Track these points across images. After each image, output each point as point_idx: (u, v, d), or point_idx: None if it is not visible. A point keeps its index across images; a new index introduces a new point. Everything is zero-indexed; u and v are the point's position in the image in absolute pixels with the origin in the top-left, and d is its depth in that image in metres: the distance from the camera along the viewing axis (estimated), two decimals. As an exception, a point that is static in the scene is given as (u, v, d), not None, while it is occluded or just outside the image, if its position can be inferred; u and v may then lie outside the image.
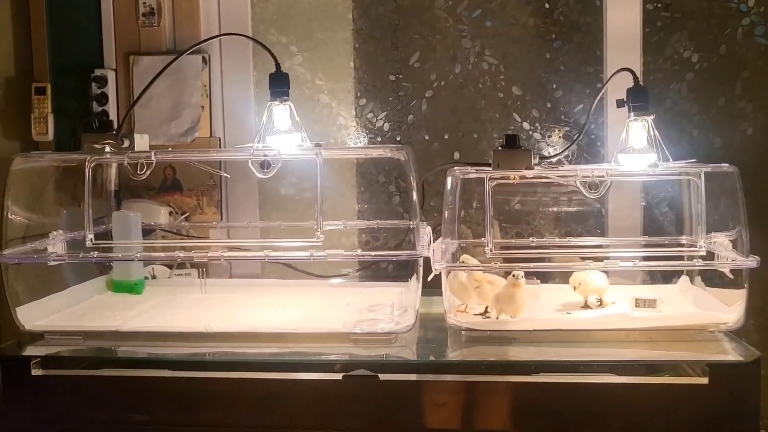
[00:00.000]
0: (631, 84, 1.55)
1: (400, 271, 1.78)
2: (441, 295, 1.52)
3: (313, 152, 1.43)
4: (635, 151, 1.49)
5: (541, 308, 1.52)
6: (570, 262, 1.51)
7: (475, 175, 1.44)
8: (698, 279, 1.63)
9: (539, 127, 2.00)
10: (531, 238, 1.72)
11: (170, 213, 1.96)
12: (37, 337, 1.49)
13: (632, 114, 1.50)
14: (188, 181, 1.98)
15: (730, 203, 1.44)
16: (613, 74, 1.57)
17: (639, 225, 1.88)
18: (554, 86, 2.00)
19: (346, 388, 1.33)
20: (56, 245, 1.59)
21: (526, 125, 2.01)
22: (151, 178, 1.54)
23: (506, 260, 1.46)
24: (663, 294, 1.55)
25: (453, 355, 1.42)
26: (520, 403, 1.33)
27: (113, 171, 1.87)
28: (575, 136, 1.97)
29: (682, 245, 1.68)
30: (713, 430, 1.28)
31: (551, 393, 1.32)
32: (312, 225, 1.82)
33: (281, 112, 1.55)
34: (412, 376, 1.36)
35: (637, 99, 1.50)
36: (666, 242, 1.71)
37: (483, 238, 1.66)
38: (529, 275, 1.45)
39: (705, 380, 1.28)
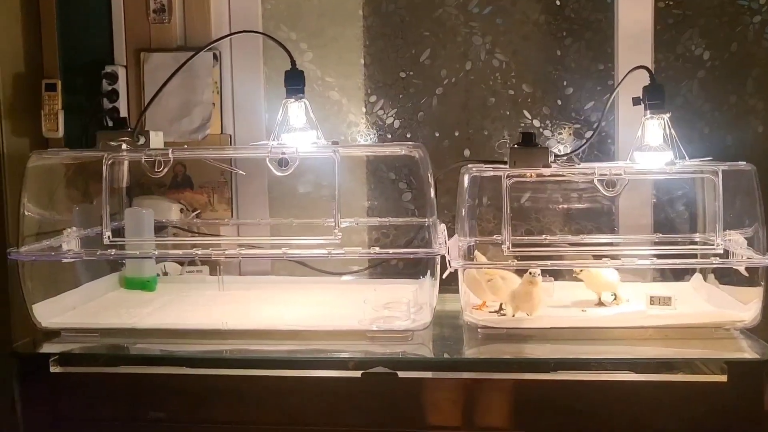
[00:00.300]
0: (643, 82, 1.56)
1: (411, 269, 1.78)
2: (452, 292, 1.53)
3: (331, 150, 1.42)
4: (652, 149, 1.49)
5: (556, 306, 1.52)
6: (585, 259, 1.50)
7: (492, 173, 1.44)
8: (711, 277, 1.64)
9: (549, 125, 2.00)
10: (544, 236, 1.72)
11: (181, 210, 1.96)
12: (52, 334, 1.49)
13: (648, 112, 1.50)
14: (199, 178, 1.98)
15: (746, 201, 1.44)
16: (629, 72, 1.57)
17: (650, 222, 1.89)
18: (565, 83, 2.00)
19: (365, 386, 1.33)
20: (71, 242, 1.59)
21: (536, 122, 2.01)
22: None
23: (522, 258, 1.46)
24: (676, 292, 1.56)
25: (470, 352, 1.42)
26: (539, 401, 1.33)
27: (125, 168, 1.86)
28: (586, 134, 1.98)
29: (696, 243, 1.68)
30: (732, 428, 1.28)
31: (570, 390, 1.32)
32: (323, 222, 1.84)
33: (297, 110, 1.55)
34: (431, 374, 1.36)
35: (654, 97, 1.50)
36: (679, 240, 1.71)
37: (496, 236, 1.68)
38: (542, 273, 1.45)
39: (724, 378, 1.28)
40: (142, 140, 1.53)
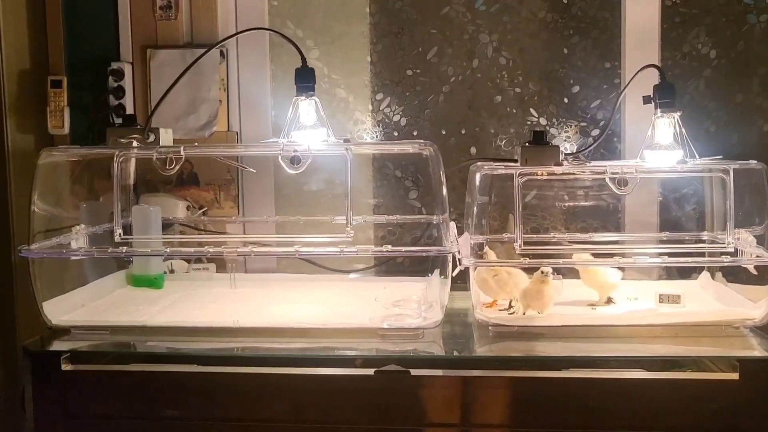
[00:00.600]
0: (650, 80, 1.56)
1: (417, 267, 1.79)
2: (458, 290, 1.53)
3: (343, 147, 1.42)
4: (662, 148, 1.49)
5: (565, 303, 1.52)
6: (594, 257, 1.51)
7: (504, 171, 1.44)
8: (719, 275, 1.64)
9: (556, 123, 2.01)
10: (553, 234, 1.72)
11: (188, 207, 1.95)
12: (60, 332, 1.49)
13: (659, 110, 1.51)
14: (205, 175, 1.98)
15: (755, 200, 1.45)
16: (639, 71, 1.57)
17: (656, 220, 1.89)
18: (571, 82, 2.00)
19: (377, 383, 1.33)
20: (79, 240, 1.58)
21: (543, 121, 2.01)
22: (167, 171, 1.53)
23: (533, 256, 1.46)
24: (684, 290, 1.56)
25: (481, 350, 1.42)
26: (551, 399, 1.33)
27: (132, 165, 1.86)
28: (592, 132, 1.98)
29: (704, 241, 1.69)
30: (744, 425, 1.28)
31: (581, 388, 1.33)
32: (331, 219, 1.84)
33: (307, 107, 1.55)
34: (442, 372, 1.36)
35: (664, 95, 1.50)
36: (687, 238, 1.71)
37: (505, 234, 1.68)
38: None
39: (736, 376, 1.28)
40: (152, 138, 1.53)
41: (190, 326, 1.47)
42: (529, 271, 1.49)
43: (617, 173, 1.39)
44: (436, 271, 1.54)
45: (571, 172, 1.43)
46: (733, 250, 1.41)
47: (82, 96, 1.99)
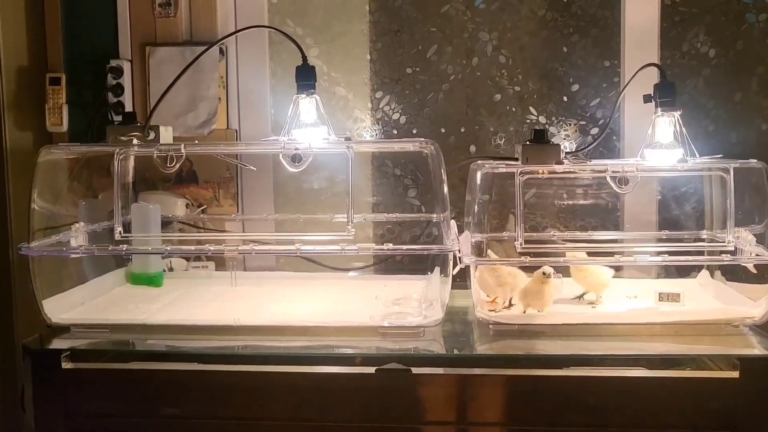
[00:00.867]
0: (649, 79, 1.56)
1: (416, 265, 1.79)
2: (457, 288, 1.53)
3: (344, 146, 1.42)
4: (662, 147, 1.49)
5: (565, 302, 1.52)
6: (589, 255, 1.51)
7: (505, 170, 1.44)
8: (718, 273, 1.65)
9: (555, 121, 2.01)
10: (553, 232, 1.73)
11: (187, 205, 1.95)
12: (60, 330, 1.48)
13: (659, 109, 1.51)
14: (204, 173, 1.97)
15: (755, 199, 1.45)
16: (639, 70, 1.57)
17: (655, 219, 1.89)
18: (571, 80, 2.00)
19: (378, 382, 1.34)
20: (78, 237, 1.58)
21: (542, 119, 2.02)
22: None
23: (534, 255, 1.47)
24: (683, 288, 1.57)
25: (482, 348, 1.42)
26: (552, 397, 1.33)
27: (131, 163, 1.85)
28: (591, 130, 1.98)
29: (703, 240, 1.69)
30: (743, 424, 1.29)
31: (582, 387, 1.33)
32: (330, 218, 1.84)
33: (308, 105, 1.54)
34: (442, 370, 1.36)
35: (664, 94, 1.50)
36: (686, 237, 1.72)
37: (505, 232, 1.68)
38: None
39: (736, 374, 1.29)
40: (152, 135, 1.52)
41: (191, 324, 1.46)
42: (530, 269, 1.49)
43: (618, 172, 1.39)
44: (437, 269, 1.54)
45: (572, 170, 1.42)
46: (733, 249, 1.41)
47: (80, 93, 1.99)
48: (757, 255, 1.43)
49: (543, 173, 1.43)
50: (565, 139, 2.01)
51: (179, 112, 1.95)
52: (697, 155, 1.50)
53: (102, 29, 1.98)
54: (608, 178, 1.40)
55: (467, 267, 1.48)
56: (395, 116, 2.05)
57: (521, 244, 1.41)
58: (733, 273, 1.58)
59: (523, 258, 1.41)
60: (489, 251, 1.51)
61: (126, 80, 1.97)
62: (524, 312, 1.47)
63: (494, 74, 2.02)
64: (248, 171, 1.91)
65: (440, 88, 2.03)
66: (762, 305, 1.41)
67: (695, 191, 1.81)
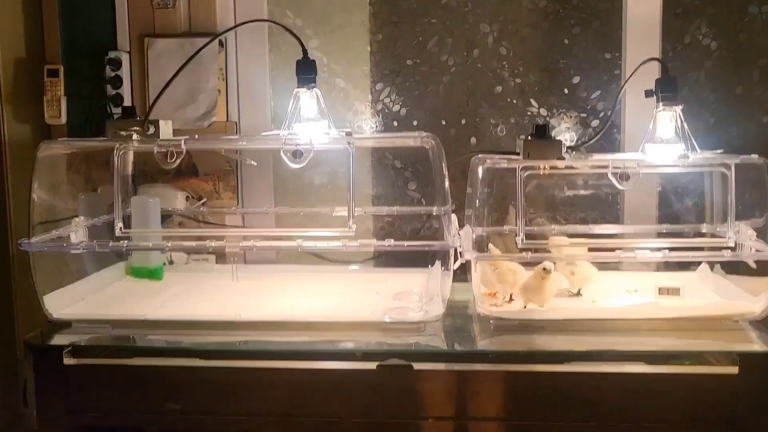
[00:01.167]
0: (650, 72, 1.55)
1: (418, 257, 1.78)
2: (457, 281, 1.53)
3: (345, 141, 1.42)
4: (663, 141, 1.49)
5: (565, 299, 1.53)
6: (594, 251, 1.51)
7: (505, 165, 1.44)
8: (718, 267, 1.65)
9: (556, 113, 2.00)
10: (553, 227, 1.73)
11: (186, 198, 1.95)
12: (62, 325, 1.48)
13: (660, 104, 1.51)
14: (204, 166, 1.97)
15: (756, 194, 1.45)
16: (641, 65, 1.57)
17: (655, 212, 1.89)
18: (572, 72, 2.00)
19: (379, 377, 1.34)
20: (78, 232, 1.58)
21: (543, 111, 2.01)
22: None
23: (534, 250, 1.47)
24: (683, 282, 1.57)
25: (483, 343, 1.42)
26: (552, 392, 1.34)
27: (130, 156, 1.85)
28: (592, 122, 1.98)
29: (704, 234, 1.69)
30: (742, 420, 1.30)
31: (582, 382, 1.33)
32: (331, 211, 1.84)
33: (308, 99, 1.54)
34: (444, 365, 1.36)
35: (666, 89, 1.50)
36: (686, 231, 1.72)
37: (506, 226, 1.68)
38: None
39: (735, 370, 1.29)
40: (152, 130, 1.52)
41: (192, 320, 1.46)
42: (531, 264, 1.49)
43: (619, 168, 1.39)
44: (437, 263, 1.54)
45: (573, 166, 1.42)
46: (733, 245, 1.42)
47: (79, 85, 1.97)
48: (757, 250, 1.43)
49: (545, 169, 1.42)
50: (566, 131, 2.00)
51: (179, 104, 1.94)
52: (698, 150, 1.49)
53: (100, 20, 1.97)
54: (609, 175, 1.40)
55: (468, 261, 1.48)
56: (396, 108, 2.04)
57: (522, 240, 1.41)
58: (733, 266, 1.58)
59: (524, 254, 1.41)
60: (490, 246, 1.51)
61: (125, 72, 1.96)
62: (525, 307, 1.47)
63: (495, 66, 2.01)
64: (249, 164, 1.91)
65: (441, 80, 2.03)
66: (762, 301, 1.42)
67: (696, 185, 1.81)
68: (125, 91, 1.96)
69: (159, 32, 1.96)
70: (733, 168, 1.41)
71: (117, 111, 1.97)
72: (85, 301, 1.59)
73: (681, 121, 1.50)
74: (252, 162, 1.78)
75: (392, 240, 1.41)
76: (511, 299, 1.53)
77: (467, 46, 2.01)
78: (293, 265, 1.89)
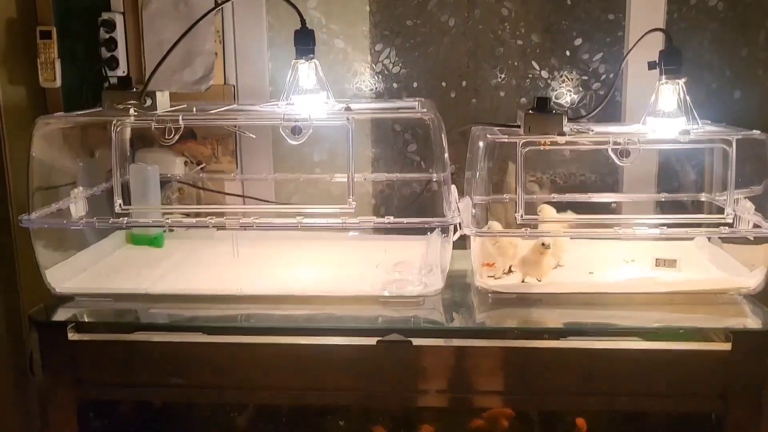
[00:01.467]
0: (654, 41, 1.52)
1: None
2: (456, 248, 1.54)
3: (344, 116, 1.40)
4: (665, 115, 1.48)
5: (563, 269, 1.54)
6: (593, 228, 1.51)
7: (507, 140, 1.43)
8: (715, 237, 1.66)
9: (558, 76, 1.98)
10: (553, 195, 1.73)
11: (185, 163, 1.94)
12: (65, 298, 1.50)
13: (663, 77, 1.49)
14: (203, 130, 1.96)
15: (756, 168, 1.45)
16: (644, 35, 1.54)
17: (654, 178, 1.89)
18: (574, 34, 1.96)
19: (378, 352, 1.37)
20: (78, 203, 1.58)
21: (544, 73, 1.98)
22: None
23: (533, 226, 1.47)
24: (680, 251, 1.58)
25: (481, 316, 1.44)
26: (549, 366, 1.37)
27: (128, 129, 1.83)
28: (593, 85, 1.96)
29: (702, 203, 1.70)
30: (734, 395, 1.33)
31: (577, 357, 1.36)
32: (330, 177, 1.84)
33: (307, 70, 1.52)
34: (443, 341, 1.39)
35: (670, 62, 1.48)
36: (685, 199, 1.72)
37: (505, 194, 1.69)
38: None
39: (728, 346, 1.32)
40: (148, 102, 1.50)
41: (194, 293, 1.48)
42: (531, 237, 1.49)
43: (619, 144, 1.39)
44: (437, 230, 1.55)
45: (573, 141, 1.42)
46: (731, 221, 1.42)
47: (73, 47, 1.94)
48: (755, 225, 1.43)
49: (546, 145, 1.42)
50: (566, 93, 1.98)
51: (175, 68, 1.91)
52: (699, 123, 1.48)
53: (92, -20, 1.92)
54: (610, 151, 1.40)
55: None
56: (395, 69, 2.01)
57: (521, 216, 1.41)
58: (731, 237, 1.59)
59: (522, 230, 1.42)
60: (490, 223, 1.51)
61: (119, 34, 1.93)
62: (523, 281, 1.48)
63: (496, 27, 1.97)
64: (247, 135, 1.89)
65: (441, 41, 1.99)
66: (756, 276, 1.43)
67: (696, 156, 1.80)
68: (120, 53, 1.93)
69: (153, -7, 1.92)
70: (734, 143, 1.40)
71: (112, 74, 1.94)
72: (87, 273, 1.60)
73: (684, 93, 1.49)
74: (251, 135, 1.76)
75: (392, 217, 1.41)
76: (510, 271, 1.54)
77: (468, 6, 1.97)
78: (292, 232, 1.89)
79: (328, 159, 2.00)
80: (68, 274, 1.55)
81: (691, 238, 1.67)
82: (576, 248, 1.62)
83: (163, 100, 1.55)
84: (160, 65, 1.50)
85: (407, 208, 1.95)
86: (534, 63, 1.98)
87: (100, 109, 1.57)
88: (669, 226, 1.44)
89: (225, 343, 1.39)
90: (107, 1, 1.93)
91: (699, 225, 1.47)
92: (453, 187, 1.56)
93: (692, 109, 1.48)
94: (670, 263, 1.56)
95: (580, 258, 1.62)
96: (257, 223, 1.40)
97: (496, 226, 1.50)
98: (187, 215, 1.90)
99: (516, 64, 1.99)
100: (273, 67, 1.99)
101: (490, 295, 1.48)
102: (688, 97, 1.49)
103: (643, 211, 1.80)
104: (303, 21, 1.52)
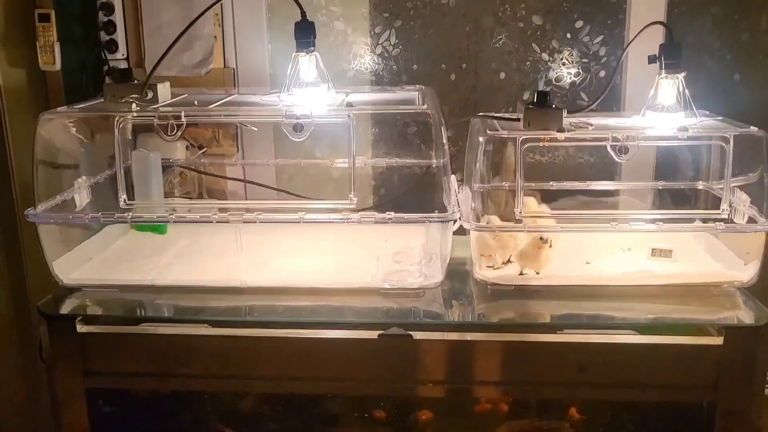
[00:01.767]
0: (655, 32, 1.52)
1: (418, 208, 1.80)
2: (456, 233, 1.56)
3: (345, 113, 1.41)
4: (665, 110, 1.49)
5: (560, 257, 1.56)
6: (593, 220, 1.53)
7: (506, 136, 1.44)
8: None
9: (558, 58, 1.98)
10: (551, 183, 1.75)
11: (186, 147, 1.95)
12: (72, 289, 1.53)
13: (663, 71, 1.49)
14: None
15: (753, 164, 1.46)
16: (644, 28, 1.54)
17: (652, 168, 1.91)
18: (575, 16, 1.96)
19: (380, 345, 1.40)
20: (82, 193, 1.60)
21: (545, 56, 1.98)
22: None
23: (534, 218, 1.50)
24: (675, 240, 1.61)
25: (481, 308, 1.48)
26: (546, 359, 1.40)
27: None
28: (594, 68, 1.96)
29: (699, 191, 1.72)
30: (726, 388, 1.37)
31: (574, 349, 1.39)
32: (331, 163, 1.86)
33: (308, 63, 1.52)
34: (443, 334, 1.42)
35: (670, 56, 1.48)
36: (683, 187, 1.74)
37: (505, 183, 1.70)
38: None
39: (720, 340, 1.36)
40: (150, 95, 1.50)
41: (199, 285, 1.51)
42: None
43: (618, 141, 1.40)
44: (440, 231, 1.57)
45: (573, 138, 1.43)
46: (727, 216, 1.45)
47: (72, 30, 1.93)
48: (750, 219, 1.46)
49: (545, 141, 1.43)
50: (567, 76, 1.98)
51: (175, 51, 1.88)
52: (697, 116, 1.49)
53: (90, -39, 1.90)
54: (608, 148, 1.41)
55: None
56: (395, 52, 2.01)
57: (520, 212, 1.43)
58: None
59: (521, 225, 1.44)
60: (489, 217, 1.53)
61: (118, 17, 1.92)
62: (521, 273, 1.51)
63: (497, 9, 1.96)
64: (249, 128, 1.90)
65: (441, 23, 1.98)
66: (750, 269, 1.46)
67: (694, 148, 1.80)
68: (119, 36, 1.93)
69: (152, -25, 1.90)
70: (731, 140, 1.41)
71: (112, 57, 1.94)
72: (93, 262, 1.62)
73: (683, 87, 1.49)
74: (253, 128, 1.77)
75: (392, 213, 1.43)
76: (509, 261, 1.56)
77: (469, -12, 1.96)
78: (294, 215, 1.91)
79: (329, 143, 2.01)
80: (75, 264, 1.57)
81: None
82: (572, 235, 1.63)
83: (164, 91, 1.55)
84: (162, 58, 1.50)
85: (407, 192, 1.96)
86: (534, 45, 1.98)
87: (101, 100, 1.58)
88: (665, 221, 1.46)
89: (229, 336, 1.42)
90: (105, -18, 1.91)
91: (694, 219, 1.49)
92: (453, 177, 1.58)
93: (691, 104, 1.49)
94: (666, 253, 1.58)
95: (576, 245, 1.64)
96: (260, 219, 1.42)
97: (495, 220, 1.51)
98: (190, 199, 1.94)
99: (516, 46, 1.98)
100: (273, 49, 1.98)
101: (489, 286, 1.51)
102: (687, 91, 1.49)
103: (641, 198, 1.82)
104: (303, 13, 1.51)
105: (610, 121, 1.56)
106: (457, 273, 1.61)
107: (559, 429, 1.61)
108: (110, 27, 1.91)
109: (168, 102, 1.54)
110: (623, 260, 1.61)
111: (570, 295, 1.49)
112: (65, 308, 1.46)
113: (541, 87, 1.99)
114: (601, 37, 1.96)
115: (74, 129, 1.70)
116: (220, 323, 1.43)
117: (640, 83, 1.72)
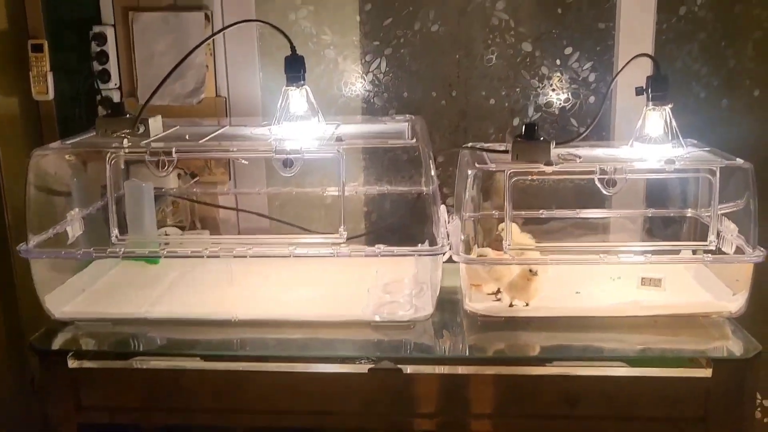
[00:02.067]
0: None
1: (408, 241, 1.81)
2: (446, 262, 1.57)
3: (335, 148, 1.42)
4: (652, 141, 1.51)
5: (550, 286, 1.56)
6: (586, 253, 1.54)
7: (494, 169, 1.46)
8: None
9: (548, 84, 1.99)
10: (541, 211, 1.76)
11: (179, 175, 1.96)
12: (64, 323, 1.53)
13: (650, 103, 1.51)
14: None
15: (740, 192, 1.47)
16: (629, 62, 1.56)
17: (642, 194, 1.92)
18: (565, 43, 1.97)
19: (371, 379, 1.41)
20: (75, 225, 1.61)
21: (534, 83, 2.00)
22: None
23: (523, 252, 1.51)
24: (665, 269, 1.62)
25: (471, 339, 1.48)
26: (537, 391, 1.41)
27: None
28: (583, 93, 1.97)
29: (687, 218, 1.73)
30: (715, 420, 1.38)
31: (564, 381, 1.40)
32: (322, 191, 1.87)
33: (298, 97, 1.53)
34: (434, 367, 1.43)
35: (657, 88, 1.49)
36: (672, 215, 1.76)
37: (495, 211, 1.72)
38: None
39: (708, 372, 1.37)
40: (141, 129, 1.51)
41: (190, 318, 1.52)
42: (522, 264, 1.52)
43: (606, 174, 1.41)
44: (426, 243, 1.58)
45: (561, 171, 1.44)
46: (714, 248, 1.46)
47: (65, 60, 1.94)
48: (737, 249, 1.47)
49: (533, 176, 1.44)
50: (556, 102, 2.00)
51: (167, 80, 1.91)
52: (685, 147, 1.51)
53: (83, -7, 1.92)
54: (596, 181, 1.42)
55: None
56: (386, 79, 2.02)
57: (509, 245, 1.44)
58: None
59: (509, 256, 1.45)
60: (480, 250, 1.55)
61: (110, 47, 1.93)
62: (511, 305, 1.52)
63: (487, 37, 1.98)
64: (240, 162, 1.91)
65: (431, 51, 2.00)
66: (738, 300, 1.47)
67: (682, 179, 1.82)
68: (112, 66, 1.94)
69: (144, 5, 1.92)
70: (717, 172, 1.43)
71: (104, 86, 1.95)
72: (85, 294, 1.63)
73: (670, 118, 1.51)
74: (244, 161, 1.78)
75: (383, 246, 1.44)
76: (498, 292, 1.57)
77: (459, 15, 1.97)
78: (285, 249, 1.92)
79: (320, 173, 2.01)
80: (67, 297, 1.58)
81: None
82: (563, 275, 1.64)
83: (155, 125, 1.56)
84: (155, 93, 1.51)
85: (398, 217, 1.97)
86: (524, 72, 2.00)
87: (93, 134, 1.58)
88: (654, 252, 1.47)
89: (220, 370, 1.43)
90: (98, 13, 1.92)
91: (682, 251, 1.51)
92: (443, 208, 1.59)
93: (678, 135, 1.50)
94: (656, 282, 1.59)
95: (566, 273, 1.65)
96: (250, 254, 1.42)
97: (487, 251, 1.53)
98: (182, 228, 1.94)
99: (506, 72, 2.00)
100: (264, 77, 1.99)
101: (479, 318, 1.52)
102: (674, 122, 1.51)
103: (632, 220, 1.83)
104: (293, 47, 1.53)
105: (599, 151, 1.57)
106: (448, 302, 1.62)
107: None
108: (103, 57, 1.92)
109: (159, 136, 1.55)
110: (613, 289, 1.62)
111: (560, 327, 1.50)
112: (57, 343, 1.47)
113: (531, 112, 2.00)
114: (590, 63, 1.97)
115: (66, 162, 1.71)
116: (212, 357, 1.43)
117: (629, 111, 1.74)
